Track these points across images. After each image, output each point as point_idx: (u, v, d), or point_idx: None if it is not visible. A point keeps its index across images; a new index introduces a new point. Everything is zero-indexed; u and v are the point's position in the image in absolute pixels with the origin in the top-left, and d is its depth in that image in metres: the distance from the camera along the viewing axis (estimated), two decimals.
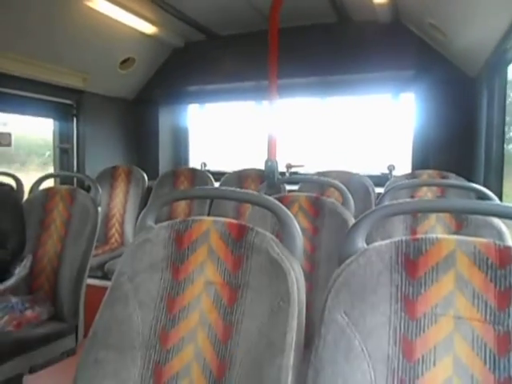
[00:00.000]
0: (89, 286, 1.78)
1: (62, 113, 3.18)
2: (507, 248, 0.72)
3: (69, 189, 1.85)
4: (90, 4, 2.49)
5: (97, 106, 3.34)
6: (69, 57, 2.85)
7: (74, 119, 3.23)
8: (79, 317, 1.70)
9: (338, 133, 3.55)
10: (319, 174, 2.75)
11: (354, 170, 2.81)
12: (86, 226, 1.72)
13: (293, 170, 3.51)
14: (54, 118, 3.19)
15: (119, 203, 3.08)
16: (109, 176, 3.16)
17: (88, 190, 1.95)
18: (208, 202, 2.79)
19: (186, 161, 4.05)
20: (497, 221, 1.33)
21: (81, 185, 3.03)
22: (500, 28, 1.88)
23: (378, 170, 3.30)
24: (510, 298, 0.70)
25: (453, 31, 2.41)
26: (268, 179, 2.29)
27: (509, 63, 2.12)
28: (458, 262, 0.74)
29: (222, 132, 3.96)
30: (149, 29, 3.02)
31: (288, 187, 2.68)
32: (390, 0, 2.52)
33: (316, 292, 1.47)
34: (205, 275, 0.91)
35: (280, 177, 2.39)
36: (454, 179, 2.33)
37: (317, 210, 1.58)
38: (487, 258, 0.72)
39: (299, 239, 0.89)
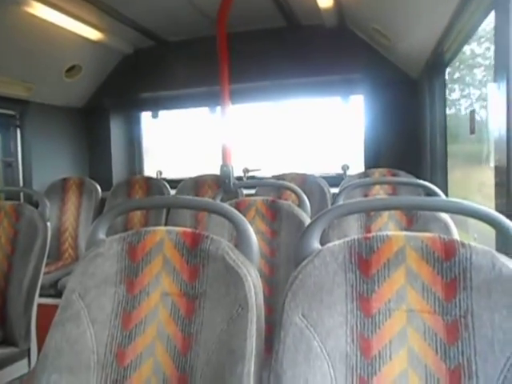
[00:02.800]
0: (41, 305, 1.69)
1: (4, 124, 3.01)
2: (451, 241, 0.76)
3: (14, 204, 1.75)
4: (29, 9, 2.37)
5: (43, 116, 3.19)
6: (9, 66, 2.71)
7: (18, 131, 3.07)
8: (31, 340, 1.61)
9: (293, 136, 3.61)
10: (275, 177, 2.78)
11: (310, 172, 2.86)
12: (35, 242, 1.63)
13: (250, 174, 3.52)
14: None
15: (71, 216, 2.95)
16: (59, 189, 3.02)
17: (36, 205, 1.85)
18: (164, 210, 2.74)
19: (141, 169, 3.96)
20: (444, 215, 1.40)
21: (28, 200, 2.88)
22: (437, 32, 1.99)
23: (333, 170, 3.38)
24: (455, 289, 0.73)
25: (395, 36, 2.52)
26: (224, 184, 2.29)
27: (447, 65, 2.25)
28: (407, 257, 0.77)
29: (177, 139, 3.91)
30: (95, 35, 2.92)
31: (246, 191, 2.69)
32: (334, 5, 2.59)
33: (277, 295, 1.48)
34: (161, 287, 0.89)
35: (236, 181, 2.39)
36: (403, 176, 2.43)
37: (274, 213, 1.59)
38: (434, 252, 0.76)
39: (255, 244, 0.89)
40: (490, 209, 0.80)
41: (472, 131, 1.80)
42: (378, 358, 0.74)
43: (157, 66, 3.44)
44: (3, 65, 2.66)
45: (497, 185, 1.36)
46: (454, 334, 0.72)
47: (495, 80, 1.32)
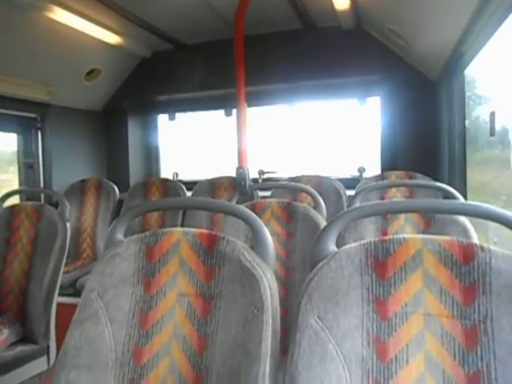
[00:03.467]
0: (60, 304, 1.72)
1: (26, 127, 3.09)
2: (470, 245, 0.75)
3: (35, 205, 1.79)
4: (51, 15, 2.43)
5: (63, 119, 3.26)
6: (31, 69, 2.78)
7: (39, 133, 3.14)
8: (50, 337, 1.65)
9: (309, 138, 3.60)
10: (291, 179, 2.77)
11: (326, 174, 2.85)
12: (55, 242, 1.67)
13: (265, 176, 3.53)
14: (18, 133, 3.09)
15: (90, 217, 3.01)
16: (78, 190, 3.08)
17: (56, 205, 1.89)
18: (181, 212, 2.76)
19: (158, 171, 4.01)
20: (462, 218, 1.38)
21: (49, 201, 2.94)
22: (456, 33, 1.97)
23: (349, 172, 3.36)
24: (474, 293, 0.72)
25: (412, 37, 2.49)
26: (240, 187, 2.30)
27: (465, 67, 2.21)
28: (424, 260, 0.76)
29: (194, 141, 3.94)
30: (114, 39, 2.98)
31: (261, 193, 2.69)
32: (351, 7, 2.58)
33: (292, 297, 1.48)
34: (177, 287, 0.90)
35: (252, 183, 2.40)
36: (421, 179, 2.40)
37: (289, 216, 1.59)
38: (452, 255, 0.75)
39: (270, 246, 0.90)
40: (510, 212, 0.79)
41: (492, 133, 1.77)
42: (394, 362, 0.74)
43: (174, 68, 3.48)
44: (25, 68, 2.73)
45: None
46: (472, 338, 0.71)
47: None
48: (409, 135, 2.94)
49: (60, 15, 2.48)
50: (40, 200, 3.03)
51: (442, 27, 2.08)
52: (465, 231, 1.34)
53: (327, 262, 0.79)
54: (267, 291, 0.80)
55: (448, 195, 1.57)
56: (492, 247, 0.74)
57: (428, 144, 2.85)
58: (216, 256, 0.88)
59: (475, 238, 1.34)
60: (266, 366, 0.75)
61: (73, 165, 3.38)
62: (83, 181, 3.11)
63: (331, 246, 0.84)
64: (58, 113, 3.19)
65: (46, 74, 2.89)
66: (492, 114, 1.79)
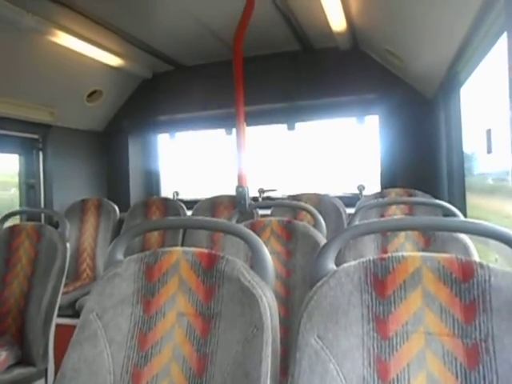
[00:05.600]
0: (59, 325, 1.71)
1: (28, 148, 3.12)
2: (469, 262, 0.75)
3: (35, 225, 1.80)
4: (54, 39, 2.49)
5: (64, 140, 3.29)
6: (34, 91, 2.82)
7: (40, 154, 3.17)
8: (48, 359, 1.63)
9: (309, 156, 3.63)
10: (291, 197, 2.78)
11: (326, 192, 2.86)
12: (55, 262, 1.67)
13: (265, 194, 3.54)
14: (20, 154, 3.12)
15: (90, 237, 3.00)
16: (78, 210, 3.08)
17: (57, 225, 1.90)
18: (181, 231, 2.76)
19: (158, 190, 4.02)
20: (462, 236, 1.38)
21: (49, 221, 2.95)
22: (451, 52, 2.01)
23: (349, 190, 3.37)
24: (475, 311, 0.72)
25: (408, 56, 2.54)
26: (239, 205, 2.30)
27: (461, 85, 2.25)
28: (424, 278, 0.76)
29: (194, 160, 3.97)
30: (115, 61, 3.04)
31: (261, 212, 2.70)
32: (347, 29, 2.64)
33: (292, 317, 1.46)
34: (177, 307, 0.90)
35: (252, 202, 2.40)
36: (420, 196, 2.41)
37: (289, 234, 1.59)
38: (451, 273, 0.75)
39: (270, 265, 0.90)
40: (509, 229, 0.79)
41: (489, 150, 1.78)
42: (396, 382, 0.73)
43: (174, 89, 3.53)
44: (28, 90, 2.78)
45: None
46: (474, 358, 0.70)
47: (510, 97, 1.32)
48: (408, 153, 2.96)
49: (63, 39, 2.54)
50: (40, 220, 3.03)
51: (437, 47, 2.12)
52: (465, 249, 1.34)
53: (326, 281, 0.79)
54: (267, 311, 0.80)
55: (448, 212, 1.58)
56: (491, 265, 0.74)
57: (427, 161, 2.87)
58: (215, 275, 0.88)
59: (476, 256, 1.33)
60: None
61: (73, 185, 3.40)
62: (83, 200, 3.12)
63: (330, 265, 0.84)
64: (60, 133, 3.23)
65: (49, 95, 2.94)
66: (488, 132, 1.81)
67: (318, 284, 0.80)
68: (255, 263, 0.90)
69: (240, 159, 2.39)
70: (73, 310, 2.48)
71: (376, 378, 0.73)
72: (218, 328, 0.85)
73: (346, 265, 0.80)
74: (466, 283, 0.73)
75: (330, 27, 2.58)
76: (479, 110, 2.20)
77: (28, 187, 3.15)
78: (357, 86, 3.04)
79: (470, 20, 1.63)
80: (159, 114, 3.64)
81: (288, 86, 3.17)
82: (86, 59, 2.84)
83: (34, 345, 1.58)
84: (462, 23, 1.69)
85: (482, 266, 0.73)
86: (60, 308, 1.71)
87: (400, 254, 0.79)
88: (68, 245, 1.74)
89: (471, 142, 2.29)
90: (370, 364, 0.74)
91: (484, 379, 0.69)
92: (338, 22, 2.52)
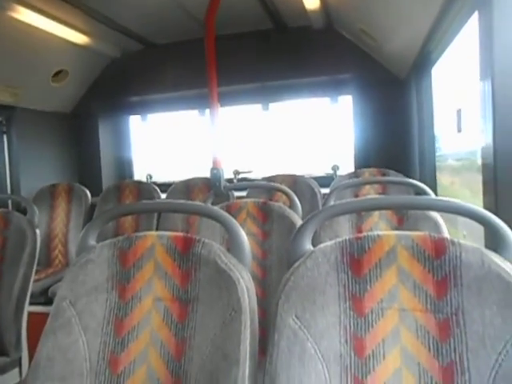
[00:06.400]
0: (32, 313, 1.67)
1: None
2: (441, 239, 0.77)
3: (2, 212, 1.73)
4: (15, 15, 2.35)
5: (30, 122, 3.15)
6: None
7: (5, 137, 3.03)
8: (22, 349, 1.59)
9: (283, 137, 3.62)
10: (266, 178, 2.78)
11: (300, 173, 2.87)
12: (24, 249, 1.61)
13: (240, 175, 3.52)
14: None
15: (61, 223, 2.92)
16: (47, 195, 2.98)
17: (25, 211, 1.83)
18: (156, 215, 2.72)
19: (131, 174, 3.94)
20: (434, 214, 1.42)
21: (16, 207, 2.84)
22: (423, 32, 2.02)
23: (323, 170, 3.39)
24: (446, 287, 0.74)
25: (382, 36, 2.54)
26: (214, 187, 2.28)
27: (433, 65, 2.28)
28: (398, 256, 0.77)
29: (167, 142, 3.90)
30: (81, 40, 2.90)
31: (237, 194, 2.69)
32: (321, 7, 2.61)
33: (269, 297, 1.48)
34: (153, 292, 0.88)
35: (227, 184, 2.39)
36: (393, 176, 2.45)
37: (265, 215, 1.59)
38: (424, 250, 0.76)
39: (246, 247, 0.89)
40: (478, 207, 0.81)
41: (459, 129, 1.82)
42: (371, 358, 0.75)
43: (145, 69, 3.43)
44: None
45: (485, 183, 1.38)
46: (446, 331, 0.73)
47: (481, 79, 1.35)
48: (381, 133, 2.99)
49: (24, 15, 2.39)
50: (8, 207, 2.92)
51: (410, 26, 2.13)
52: (436, 226, 1.38)
53: (303, 261, 0.79)
54: (244, 293, 0.80)
55: (420, 191, 1.61)
56: (462, 241, 0.76)
57: (399, 141, 2.92)
58: (192, 259, 0.87)
59: (446, 233, 1.38)
60: (245, 368, 0.75)
61: (42, 169, 3.28)
62: (53, 185, 3.02)
63: (307, 245, 0.85)
64: (25, 115, 3.09)
65: (11, 75, 2.79)
66: (458, 112, 1.84)
67: (295, 265, 0.80)
68: (232, 245, 0.89)
69: (214, 141, 2.36)
70: (45, 297, 2.43)
71: (352, 355, 0.75)
72: (195, 312, 0.85)
73: (322, 245, 0.81)
74: (438, 260, 0.75)
75: (303, 5, 2.54)
76: (449, 90, 2.24)
77: None
78: (330, 66, 3.03)
79: None
80: (130, 95, 3.53)
81: (261, 66, 3.13)
82: (50, 37, 2.70)
83: (5, 334, 1.54)
84: (435, 2, 1.69)
85: (453, 242, 0.75)
86: (32, 295, 1.67)
87: (375, 233, 0.80)
88: (38, 231, 1.68)
89: (439, 122, 2.35)
90: (346, 341, 0.76)
91: (455, 351, 0.72)
92: None
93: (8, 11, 2.30)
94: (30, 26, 2.51)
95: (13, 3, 2.28)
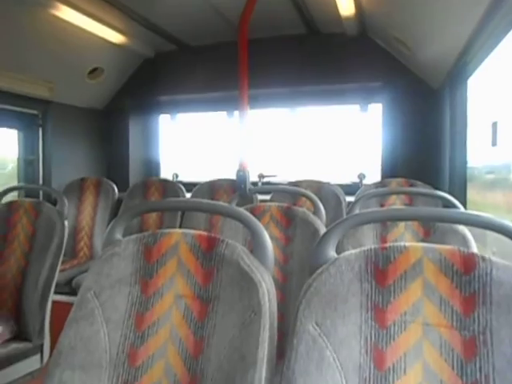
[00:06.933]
0: (56, 302, 1.71)
1: (27, 123, 3.08)
2: (471, 254, 0.74)
3: (33, 202, 1.79)
4: (56, 12, 2.43)
5: (64, 116, 3.25)
6: (33, 66, 2.77)
7: (40, 130, 3.13)
8: (45, 336, 1.64)
9: (310, 142, 3.60)
10: (291, 183, 2.77)
11: (326, 179, 2.85)
12: (52, 240, 1.66)
13: (265, 179, 3.52)
14: (18, 129, 3.09)
15: (88, 216, 3.00)
16: (77, 188, 3.07)
17: (55, 203, 1.88)
18: (179, 213, 2.75)
19: (158, 171, 4.00)
20: (462, 227, 1.38)
21: (47, 198, 2.93)
22: (459, 43, 1.97)
23: (349, 178, 3.35)
24: (474, 304, 0.72)
25: (416, 45, 2.50)
26: (239, 189, 2.29)
27: (469, 76, 2.22)
28: (425, 269, 0.75)
29: (194, 142, 3.94)
30: (117, 38, 2.98)
31: (260, 197, 2.69)
32: (356, 14, 2.59)
33: (289, 302, 1.47)
34: (175, 289, 0.89)
35: (252, 187, 2.39)
36: (421, 187, 2.40)
37: (288, 220, 1.59)
38: (452, 265, 0.74)
39: (270, 250, 0.89)
40: (510, 222, 0.78)
41: (494, 143, 1.77)
42: (391, 371, 0.73)
43: (177, 69, 3.48)
44: (28, 64, 2.73)
45: None
46: (471, 349, 0.70)
47: None
48: (410, 143, 2.94)
49: (64, 13, 2.48)
50: (39, 197, 3.02)
51: (447, 36, 2.09)
52: (464, 240, 1.34)
53: (326, 268, 0.78)
54: (265, 296, 0.79)
55: (448, 204, 1.57)
56: (493, 258, 0.73)
57: (429, 152, 2.85)
58: (215, 258, 0.88)
59: (475, 248, 1.33)
60: (262, 370, 0.74)
61: (72, 163, 3.37)
62: (82, 179, 3.11)
63: (331, 252, 0.84)
64: (60, 110, 3.19)
65: (49, 70, 2.89)
66: (494, 125, 1.79)
67: (318, 271, 0.79)
68: (255, 248, 0.89)
69: (242, 142, 2.37)
70: (69, 287, 2.50)
71: (372, 366, 0.74)
72: (215, 311, 0.85)
73: (346, 253, 0.80)
74: (467, 275, 0.73)
75: (338, 11, 2.53)
76: (485, 102, 2.17)
77: (27, 164, 3.13)
78: (362, 73, 3.00)
79: (481, 10, 1.60)
80: (161, 94, 3.59)
81: (292, 70, 3.13)
82: (87, 35, 2.79)
83: (30, 320, 1.59)
84: (474, 12, 1.65)
85: (483, 258, 0.73)
86: (57, 285, 1.71)
87: (402, 243, 0.78)
88: (66, 222, 1.73)
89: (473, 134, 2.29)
90: (366, 352, 0.74)
91: (480, 371, 0.69)
92: (346, 6, 2.46)
93: (49, 8, 2.39)
94: (69, 23, 2.59)
95: (54, 1, 2.36)
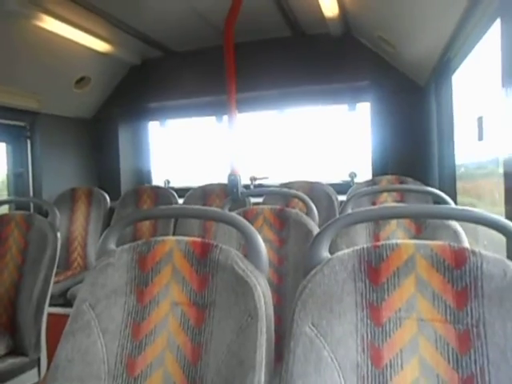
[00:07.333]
0: (51, 314, 1.70)
1: (15, 136, 3.06)
2: (462, 249, 0.76)
3: (24, 215, 1.77)
4: (41, 24, 2.42)
5: (53, 127, 3.23)
6: (20, 78, 2.76)
7: (28, 142, 3.11)
8: (41, 349, 1.62)
9: (300, 144, 3.62)
10: (283, 185, 2.78)
11: (317, 179, 2.86)
12: (45, 252, 1.65)
13: (257, 182, 3.53)
14: (7, 142, 3.06)
15: (80, 226, 2.97)
16: (68, 199, 3.05)
17: (46, 214, 1.87)
18: (173, 219, 2.75)
19: (149, 178, 3.99)
20: (453, 223, 1.39)
21: (38, 210, 2.91)
22: (443, 39, 2.00)
23: (340, 177, 3.37)
24: (466, 298, 0.73)
25: (401, 43, 2.52)
26: (232, 193, 2.29)
27: (453, 72, 2.25)
28: (417, 265, 0.76)
29: (185, 148, 3.94)
30: (103, 47, 2.97)
31: (253, 200, 2.69)
32: (340, 15, 2.61)
33: (285, 304, 1.47)
34: (170, 296, 0.89)
35: (244, 190, 2.40)
36: (411, 183, 2.42)
37: (282, 222, 1.59)
38: (444, 260, 0.75)
39: (264, 253, 0.90)
40: (500, 216, 0.80)
41: (480, 138, 1.79)
42: (389, 368, 0.74)
43: (164, 75, 3.48)
44: (14, 77, 2.71)
45: (507, 191, 1.35)
46: (466, 343, 0.71)
47: (503, 85, 1.32)
48: (399, 140, 2.96)
49: (49, 23, 2.47)
50: (29, 210, 2.99)
51: (430, 33, 2.11)
52: (456, 235, 1.36)
53: (320, 269, 0.79)
54: (261, 299, 0.80)
55: (438, 200, 1.59)
56: (483, 251, 0.75)
57: (418, 149, 2.88)
58: (209, 264, 0.88)
59: (466, 242, 1.35)
60: (260, 374, 0.75)
61: (63, 173, 3.35)
62: (73, 189, 3.08)
63: (324, 253, 0.84)
64: (48, 121, 3.17)
65: (35, 82, 2.87)
66: (480, 119, 1.81)
67: (312, 272, 0.80)
68: (249, 252, 0.90)
69: (232, 146, 2.37)
70: (64, 299, 2.47)
71: (369, 364, 0.74)
72: (212, 317, 0.85)
73: (340, 253, 0.80)
74: (458, 270, 0.74)
75: (321, 13, 2.55)
76: (470, 98, 2.20)
77: (16, 176, 3.10)
78: (348, 73, 3.02)
79: (463, 6, 1.62)
80: (149, 101, 3.59)
81: (279, 73, 3.14)
82: (73, 45, 2.78)
83: (25, 334, 1.57)
84: (456, 9, 1.68)
85: (474, 252, 0.74)
86: (51, 297, 1.70)
87: (394, 241, 0.79)
88: (58, 234, 1.72)
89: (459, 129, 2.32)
90: (363, 350, 0.75)
91: (475, 363, 0.70)
92: (329, 7, 2.48)
93: (33, 20, 2.37)
94: (54, 34, 2.58)
95: (38, 12, 2.35)
